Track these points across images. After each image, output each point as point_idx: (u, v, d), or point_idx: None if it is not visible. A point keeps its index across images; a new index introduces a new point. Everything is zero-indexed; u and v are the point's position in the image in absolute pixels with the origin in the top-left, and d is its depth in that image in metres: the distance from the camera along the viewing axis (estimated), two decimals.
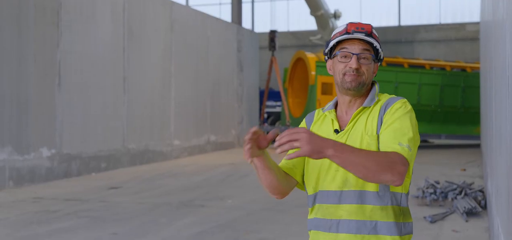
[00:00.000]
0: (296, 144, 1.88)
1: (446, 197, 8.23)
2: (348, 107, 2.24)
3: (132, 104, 13.68)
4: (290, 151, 2.03)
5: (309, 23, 26.88)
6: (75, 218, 7.42)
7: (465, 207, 7.32)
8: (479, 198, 7.92)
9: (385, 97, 2.23)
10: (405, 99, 2.20)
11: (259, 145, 2.12)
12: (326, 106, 2.32)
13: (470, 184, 8.77)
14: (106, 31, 12.79)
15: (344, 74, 2.17)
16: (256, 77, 21.40)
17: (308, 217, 2.29)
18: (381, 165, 1.95)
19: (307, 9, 21.03)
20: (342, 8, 22.33)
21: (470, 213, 7.37)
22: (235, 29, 19.62)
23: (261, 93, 22.56)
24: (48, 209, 8.03)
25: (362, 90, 2.20)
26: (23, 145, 10.47)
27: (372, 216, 2.12)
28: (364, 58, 2.16)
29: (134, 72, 13.76)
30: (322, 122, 2.28)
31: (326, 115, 2.28)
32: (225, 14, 29.61)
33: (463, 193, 8.10)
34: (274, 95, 23.42)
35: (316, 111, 2.35)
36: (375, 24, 29.40)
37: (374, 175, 1.96)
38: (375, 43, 2.19)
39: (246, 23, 28.41)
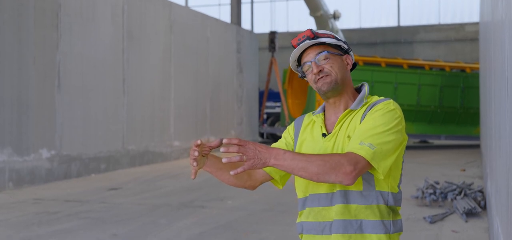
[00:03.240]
0: (243, 156, 1.98)
1: (445, 197, 8.24)
2: (335, 109, 2.27)
3: (132, 105, 13.69)
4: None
5: (309, 24, 26.92)
6: (75, 219, 7.43)
7: (464, 208, 7.33)
8: (479, 198, 7.93)
9: (373, 99, 2.24)
10: (391, 100, 2.19)
11: (203, 154, 2.22)
12: (316, 110, 2.35)
13: (470, 185, 8.78)
14: (105, 32, 12.80)
15: (316, 82, 2.22)
16: (256, 78, 21.41)
17: (297, 221, 2.30)
18: (322, 167, 2.00)
19: (306, 10, 21.04)
20: (341, 9, 22.36)
21: (469, 214, 7.38)
22: (234, 30, 19.63)
23: (261, 94, 22.57)
24: (48, 211, 8.04)
25: (340, 88, 2.22)
26: (23, 146, 10.47)
27: (357, 215, 2.14)
28: (323, 58, 2.21)
29: (134, 74, 13.77)
30: (313, 127, 2.30)
31: (315, 120, 2.31)
32: (225, 15, 29.64)
33: (462, 194, 8.11)
34: (274, 96, 23.43)
35: (306, 115, 2.38)
36: (374, 24, 29.44)
37: (318, 178, 2.02)
38: (324, 39, 2.22)
39: (245, 24, 28.42)
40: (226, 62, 18.89)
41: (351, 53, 2.29)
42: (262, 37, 26.24)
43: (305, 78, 2.32)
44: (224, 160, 2.02)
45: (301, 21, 29.49)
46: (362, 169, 2.04)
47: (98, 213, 7.87)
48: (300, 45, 2.22)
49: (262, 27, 30.10)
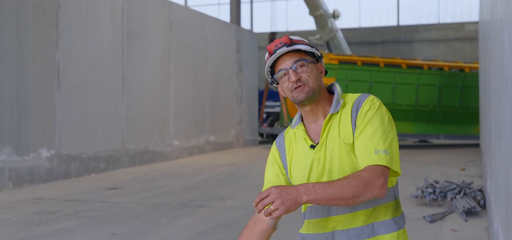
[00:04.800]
0: (271, 207, 1.92)
1: (445, 196, 8.24)
2: (313, 116, 2.22)
3: (132, 104, 13.69)
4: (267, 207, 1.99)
5: (309, 23, 26.90)
6: (75, 219, 7.43)
7: (464, 207, 7.34)
8: (478, 197, 7.93)
9: (350, 98, 2.21)
10: (372, 96, 2.18)
11: None
12: (293, 122, 2.30)
13: (469, 184, 8.79)
14: (105, 31, 12.80)
15: (292, 91, 2.17)
16: (256, 77, 21.41)
17: (299, 231, 2.30)
18: (356, 190, 1.97)
19: (306, 9, 21.04)
20: (341, 8, 22.36)
21: (469, 213, 7.39)
22: (234, 29, 19.63)
23: (260, 93, 22.56)
24: (48, 210, 8.04)
25: (316, 97, 2.18)
26: (23, 146, 10.47)
27: (368, 220, 2.13)
28: (300, 66, 2.16)
29: (133, 73, 13.77)
30: (296, 142, 2.25)
31: (295, 132, 2.26)
32: (224, 14, 29.63)
33: (462, 193, 8.12)
34: (274, 95, 23.42)
35: (284, 132, 2.33)
36: (373, 23, 29.43)
37: (354, 201, 1.99)
38: (301, 46, 2.17)
39: (245, 23, 28.42)
40: (225, 61, 18.90)
41: (322, 60, 2.26)
42: (262, 36, 26.22)
43: (274, 85, 2.27)
44: (263, 216, 2.00)
45: (300, 20, 29.49)
46: (388, 176, 2.05)
47: (98, 212, 7.87)
48: (277, 51, 2.16)
49: (261, 27, 30.09)
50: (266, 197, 1.92)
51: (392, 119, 2.16)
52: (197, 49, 16.99)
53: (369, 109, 2.13)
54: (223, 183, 10.86)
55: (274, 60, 2.20)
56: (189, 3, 30.95)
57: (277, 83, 2.23)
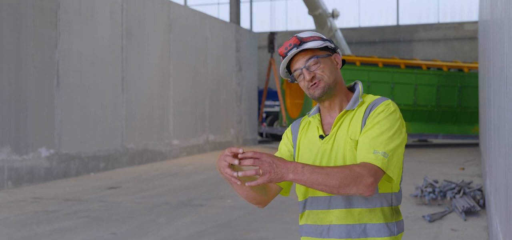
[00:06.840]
0: (259, 170, 1.92)
1: (444, 196, 8.24)
2: (330, 111, 2.25)
3: (131, 104, 13.69)
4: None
5: (308, 23, 26.93)
6: (74, 218, 7.43)
7: (463, 206, 7.34)
8: (478, 197, 7.94)
9: (369, 99, 2.22)
10: (390, 101, 2.18)
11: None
12: (312, 111, 2.33)
13: (469, 183, 8.79)
14: (104, 31, 12.79)
15: (308, 89, 2.21)
16: (255, 76, 21.40)
17: (299, 223, 2.30)
18: (343, 180, 1.97)
19: (305, 9, 21.05)
20: (340, 8, 22.37)
21: (468, 212, 7.39)
22: (233, 28, 19.62)
23: (260, 93, 22.55)
24: (47, 209, 8.03)
25: (332, 91, 2.21)
26: (22, 145, 10.47)
27: (361, 219, 2.13)
28: (313, 64, 2.19)
29: (133, 72, 13.76)
30: (308, 129, 2.29)
31: (310, 120, 2.30)
32: (224, 14, 29.62)
33: (461, 192, 8.12)
34: (273, 94, 23.42)
35: (303, 118, 2.36)
36: (373, 23, 29.43)
37: (339, 191, 1.99)
38: (311, 43, 2.18)
39: (244, 23, 28.42)
40: (225, 61, 18.89)
41: (338, 51, 2.27)
42: (261, 35, 26.23)
43: (295, 82, 2.30)
44: (239, 174, 1.94)
45: (300, 20, 29.49)
46: (379, 178, 2.04)
47: (97, 212, 7.87)
48: (288, 54, 2.19)
49: (261, 26, 30.10)
50: (258, 159, 1.92)
51: (405, 128, 2.16)
52: (197, 48, 16.99)
53: (382, 111, 2.13)
54: (223, 182, 10.85)
55: (290, 61, 2.24)
56: (189, 3, 30.94)
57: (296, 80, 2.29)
